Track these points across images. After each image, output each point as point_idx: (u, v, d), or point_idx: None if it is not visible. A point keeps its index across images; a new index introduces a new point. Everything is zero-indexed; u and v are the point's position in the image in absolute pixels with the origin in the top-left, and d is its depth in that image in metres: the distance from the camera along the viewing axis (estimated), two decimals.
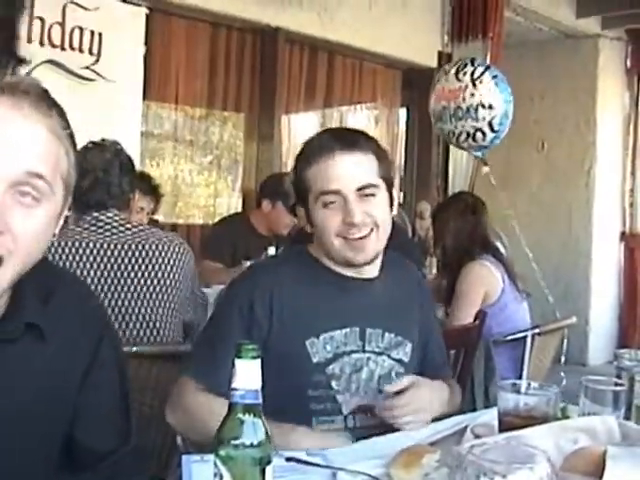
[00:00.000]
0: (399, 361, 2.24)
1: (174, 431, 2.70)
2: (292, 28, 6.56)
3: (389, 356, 2.22)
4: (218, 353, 2.06)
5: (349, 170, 2.10)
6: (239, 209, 6.86)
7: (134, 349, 2.66)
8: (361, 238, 2.11)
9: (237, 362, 1.24)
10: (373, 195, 2.12)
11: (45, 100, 1.39)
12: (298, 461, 1.73)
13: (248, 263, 4.32)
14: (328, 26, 6.71)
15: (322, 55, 7.09)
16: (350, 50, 7.09)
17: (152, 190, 4.74)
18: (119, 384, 1.63)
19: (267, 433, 1.25)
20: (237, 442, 1.23)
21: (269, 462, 1.25)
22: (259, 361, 1.24)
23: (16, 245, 1.30)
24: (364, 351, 2.18)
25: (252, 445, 1.23)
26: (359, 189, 2.10)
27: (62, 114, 1.42)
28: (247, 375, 1.23)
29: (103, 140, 3.15)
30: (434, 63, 7.72)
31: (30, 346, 1.45)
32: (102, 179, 3.00)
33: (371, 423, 2.15)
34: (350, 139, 2.15)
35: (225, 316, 2.16)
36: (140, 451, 1.68)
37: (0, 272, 1.30)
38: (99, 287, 2.88)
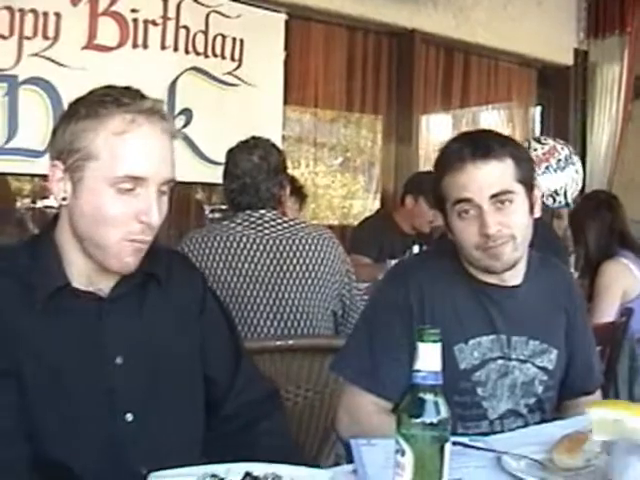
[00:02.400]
0: (543, 369, 2.23)
1: (325, 421, 2.82)
2: (428, 29, 6.61)
3: (533, 364, 2.22)
4: (380, 361, 2.11)
5: (482, 178, 2.05)
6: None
7: (290, 342, 2.77)
8: (498, 247, 2.07)
9: (419, 345, 1.33)
10: (510, 201, 2.07)
11: (167, 116, 1.71)
12: (463, 445, 1.80)
13: (393, 262, 4.43)
14: (463, 26, 6.74)
15: (458, 55, 7.10)
16: (485, 50, 7.08)
17: (296, 191, 4.88)
18: (228, 327, 1.97)
19: (447, 413, 1.34)
20: (418, 420, 1.33)
21: (447, 440, 1.34)
22: (440, 345, 1.34)
23: (156, 229, 1.70)
24: (509, 359, 2.18)
25: (432, 424, 1.33)
26: (493, 196, 2.05)
27: (172, 121, 1.75)
28: (429, 358, 1.33)
29: (253, 138, 3.24)
30: (570, 61, 7.65)
31: (152, 294, 1.79)
32: (250, 184, 3.11)
33: (517, 427, 2.19)
34: (483, 146, 2.08)
35: (384, 322, 2.17)
36: (273, 392, 1.99)
37: (147, 247, 1.70)
38: (254, 279, 3.00)
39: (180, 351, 1.82)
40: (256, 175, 3.11)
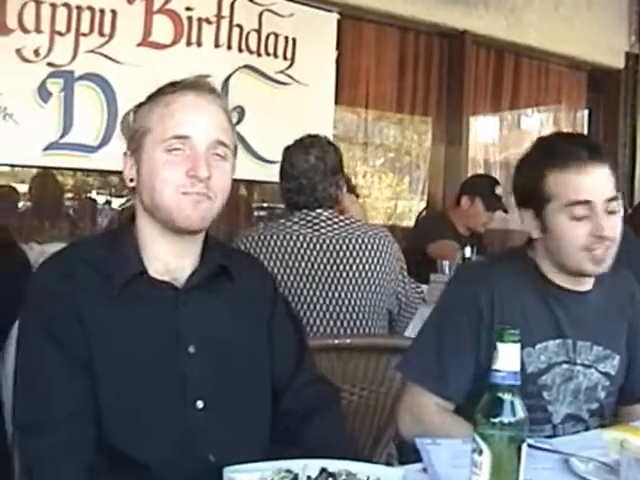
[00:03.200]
0: (606, 374, 2.23)
1: (379, 420, 2.82)
2: (479, 31, 6.59)
3: (597, 369, 2.21)
4: (446, 362, 2.11)
5: (600, 180, 2.05)
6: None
7: (347, 341, 2.78)
8: (605, 250, 2.06)
9: (499, 346, 1.34)
10: (617, 207, 2.08)
11: (216, 90, 1.82)
12: (531, 446, 1.80)
13: (445, 262, 4.45)
14: (514, 28, 6.71)
15: (508, 57, 7.06)
16: (536, 52, 7.05)
17: (351, 191, 4.89)
18: (294, 327, 2.01)
19: (524, 413, 1.35)
20: (496, 420, 1.34)
21: (523, 440, 1.35)
22: (519, 345, 1.34)
23: (218, 186, 1.76)
24: (574, 363, 2.18)
25: (510, 424, 1.33)
26: (607, 200, 2.05)
27: (225, 98, 1.86)
28: (508, 358, 1.34)
29: (310, 136, 3.25)
30: (621, 64, 7.59)
31: (225, 287, 1.86)
32: (306, 185, 3.12)
33: (578, 431, 2.18)
34: (596, 148, 2.09)
35: (451, 323, 2.17)
36: (332, 391, 2.02)
37: (210, 205, 1.75)
38: (310, 278, 3.02)
39: (249, 344, 1.86)
40: (312, 176, 3.13)
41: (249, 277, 1.94)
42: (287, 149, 3.23)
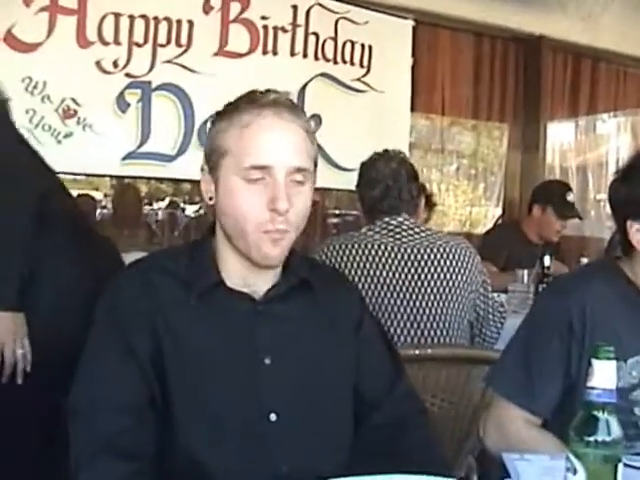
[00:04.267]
0: None
1: (459, 432, 2.80)
2: (555, 35, 6.51)
3: None
4: (536, 377, 2.07)
5: None
6: (496, 218, 6.90)
7: (429, 351, 2.76)
8: None
9: (594, 362, 1.31)
10: None
11: (296, 107, 1.74)
12: (626, 465, 1.76)
13: (521, 271, 4.40)
14: (592, 32, 6.59)
15: (585, 62, 6.97)
16: (614, 56, 6.93)
17: (427, 199, 4.87)
18: (384, 343, 1.96)
19: (619, 431, 1.31)
20: (591, 439, 1.30)
21: (620, 460, 1.31)
22: (614, 362, 1.31)
23: (297, 218, 1.70)
24: None
25: (605, 442, 1.30)
26: None
27: (306, 114, 1.77)
28: (604, 375, 1.31)
29: (386, 151, 3.28)
30: None
31: (306, 300, 1.83)
32: (392, 186, 3.14)
33: None
34: None
35: (541, 337, 2.12)
36: (424, 409, 1.99)
37: (290, 238, 1.72)
38: (391, 287, 3.00)
39: (331, 359, 1.83)
40: (398, 178, 3.16)
41: (333, 291, 1.91)
42: (365, 163, 3.26)
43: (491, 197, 7.09)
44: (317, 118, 5.22)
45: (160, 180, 5.70)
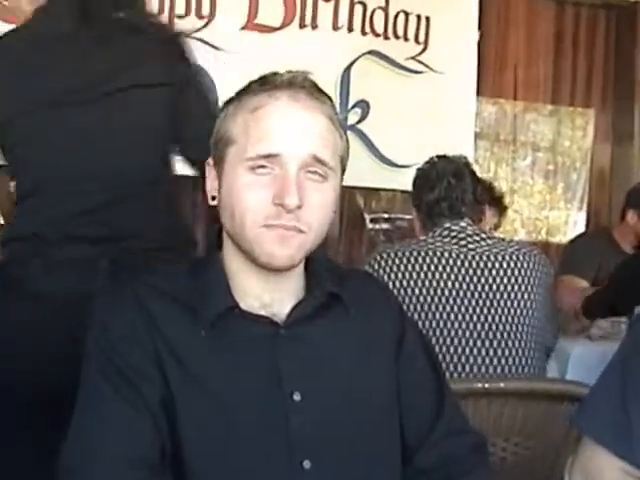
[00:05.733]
0: None
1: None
2: None
3: None
4: (636, 415, 2.01)
5: None
6: (579, 225, 6.88)
7: (501, 385, 2.77)
8: None
9: None
10: None
11: (318, 90, 1.72)
12: None
13: None
14: None
15: None
16: None
17: (497, 202, 4.89)
18: (429, 363, 1.95)
19: None
20: None
21: None
22: None
23: (312, 217, 1.67)
24: None
25: None
26: None
27: (332, 101, 1.76)
28: None
29: (447, 155, 3.34)
30: None
31: (337, 319, 1.81)
32: (455, 185, 3.19)
33: None
34: None
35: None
36: (479, 444, 1.95)
37: (303, 240, 1.68)
38: (458, 301, 3.01)
39: (372, 389, 1.82)
40: (461, 177, 3.21)
41: (369, 305, 1.89)
42: (428, 162, 3.33)
43: (573, 199, 7.04)
44: (365, 105, 5.25)
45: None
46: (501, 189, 5.80)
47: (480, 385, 2.72)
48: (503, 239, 3.25)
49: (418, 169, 3.36)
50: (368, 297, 1.91)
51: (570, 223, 7.02)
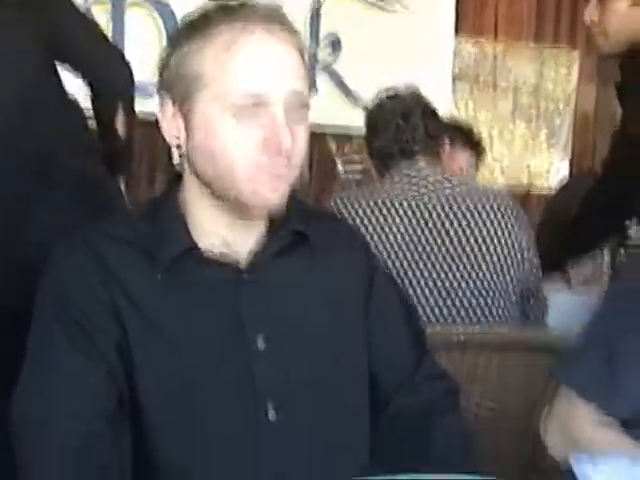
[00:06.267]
0: None
1: (519, 438, 2.78)
2: None
3: None
4: (620, 367, 2.02)
5: None
6: (562, 171, 6.85)
7: (476, 335, 2.72)
8: None
9: None
10: None
11: (289, 23, 1.70)
12: None
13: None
14: None
15: None
16: None
17: (472, 143, 4.78)
18: (403, 308, 1.94)
19: None
20: None
21: None
22: None
23: (299, 158, 1.68)
24: None
25: None
26: None
27: (298, 32, 1.73)
28: None
29: (397, 93, 3.24)
30: None
31: (303, 260, 1.80)
32: (404, 127, 3.08)
33: None
34: None
35: (626, 313, 2.07)
36: (453, 390, 1.95)
37: (287, 182, 1.68)
38: (416, 253, 2.93)
39: (339, 335, 1.81)
40: (410, 115, 3.09)
41: (337, 246, 1.87)
42: (377, 102, 3.22)
43: (556, 145, 7.05)
44: (335, 40, 5.21)
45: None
46: (480, 133, 5.77)
47: (454, 335, 2.70)
48: (467, 182, 3.15)
49: (366, 112, 3.26)
50: (335, 238, 1.90)
51: (552, 171, 7.04)
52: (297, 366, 1.74)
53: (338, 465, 1.72)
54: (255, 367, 1.70)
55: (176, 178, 1.78)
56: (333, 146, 5.87)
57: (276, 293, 1.76)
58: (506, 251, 3.00)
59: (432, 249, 2.94)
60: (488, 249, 2.97)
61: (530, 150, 7.07)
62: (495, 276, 2.97)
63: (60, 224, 2.22)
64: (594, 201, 3.61)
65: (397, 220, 2.96)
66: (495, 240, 2.98)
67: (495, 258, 2.98)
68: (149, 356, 1.66)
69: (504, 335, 2.83)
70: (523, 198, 6.12)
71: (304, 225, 1.79)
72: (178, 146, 1.71)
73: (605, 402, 2.05)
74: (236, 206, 1.69)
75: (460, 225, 2.96)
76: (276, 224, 1.76)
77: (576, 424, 2.08)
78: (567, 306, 3.20)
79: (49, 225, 2.40)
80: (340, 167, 5.97)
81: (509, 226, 3.02)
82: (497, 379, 2.74)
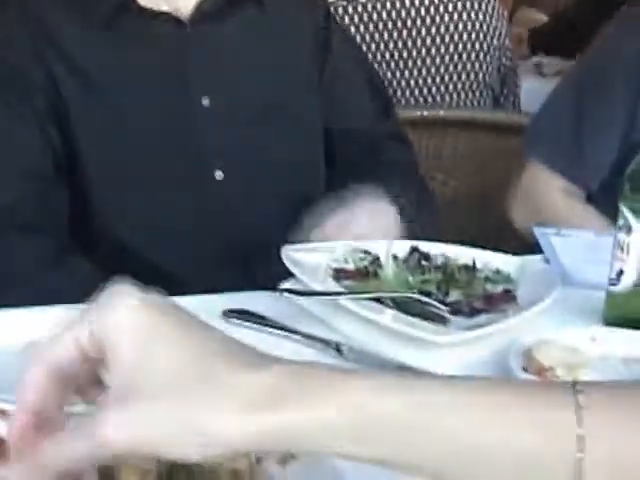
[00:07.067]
0: None
1: (483, 213, 2.78)
2: None
3: None
4: (587, 133, 2.04)
5: None
6: None
7: (441, 113, 2.70)
8: None
9: None
10: None
11: None
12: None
13: None
14: None
15: None
16: None
17: None
18: (361, 68, 1.93)
19: None
20: None
21: None
22: None
23: None
24: None
25: None
26: None
27: None
28: None
29: None
30: None
31: (250, 15, 1.73)
32: None
33: None
34: None
35: (600, 82, 2.06)
36: (401, 136, 1.95)
37: None
38: (380, 45, 2.90)
39: (288, 93, 1.77)
40: None
41: (290, 4, 1.82)
42: None
43: None
44: None
45: None
46: None
47: (418, 113, 2.69)
48: None
49: None
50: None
51: None
52: (244, 126, 1.70)
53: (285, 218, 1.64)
54: (200, 127, 1.67)
55: None
56: None
57: (222, 51, 1.70)
58: (481, 34, 2.96)
59: (402, 34, 2.90)
60: (461, 36, 2.94)
61: None
62: (470, 59, 2.94)
63: None
64: None
65: (365, 18, 2.89)
66: (469, 26, 2.94)
67: (471, 45, 2.95)
68: (85, 115, 1.62)
69: (472, 114, 2.83)
70: None
71: None
72: None
73: (572, 171, 2.06)
74: None
75: (437, 10, 2.90)
76: None
77: (542, 194, 2.10)
78: (540, 93, 3.18)
79: None
80: None
81: (482, 9, 2.97)
82: (463, 159, 2.73)
